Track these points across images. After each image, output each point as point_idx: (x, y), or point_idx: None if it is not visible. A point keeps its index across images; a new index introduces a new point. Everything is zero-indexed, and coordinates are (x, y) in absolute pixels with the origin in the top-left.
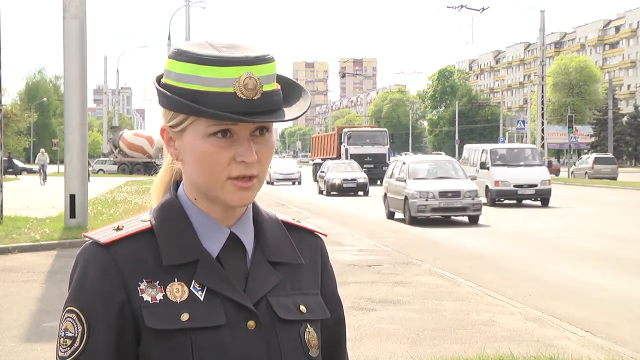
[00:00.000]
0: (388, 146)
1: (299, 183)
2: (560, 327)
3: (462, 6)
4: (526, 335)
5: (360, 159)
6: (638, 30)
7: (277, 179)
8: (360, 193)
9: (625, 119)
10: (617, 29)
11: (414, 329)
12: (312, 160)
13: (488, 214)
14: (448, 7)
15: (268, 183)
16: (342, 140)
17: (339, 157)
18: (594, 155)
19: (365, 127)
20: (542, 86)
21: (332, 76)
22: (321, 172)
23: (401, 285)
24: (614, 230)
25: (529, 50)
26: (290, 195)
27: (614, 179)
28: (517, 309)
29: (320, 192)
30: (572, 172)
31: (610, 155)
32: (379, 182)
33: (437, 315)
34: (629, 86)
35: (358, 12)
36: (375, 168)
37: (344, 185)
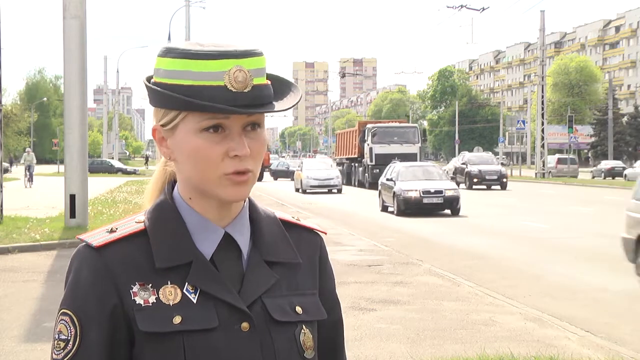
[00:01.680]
0: (420, 145)
1: (339, 191)
2: (560, 327)
3: (462, 6)
4: (526, 335)
5: (386, 160)
6: (638, 30)
7: (312, 186)
8: (448, 211)
9: (625, 119)
10: (617, 29)
11: (414, 329)
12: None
13: None
14: (448, 7)
15: (298, 190)
16: (365, 137)
17: (361, 157)
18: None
19: (392, 122)
20: (542, 86)
21: (332, 76)
22: (387, 179)
23: (401, 285)
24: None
25: (529, 50)
26: (295, 201)
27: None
28: (517, 309)
29: (385, 208)
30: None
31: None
32: None
33: (437, 315)
34: (629, 86)
35: (358, 12)
36: None
37: (425, 201)
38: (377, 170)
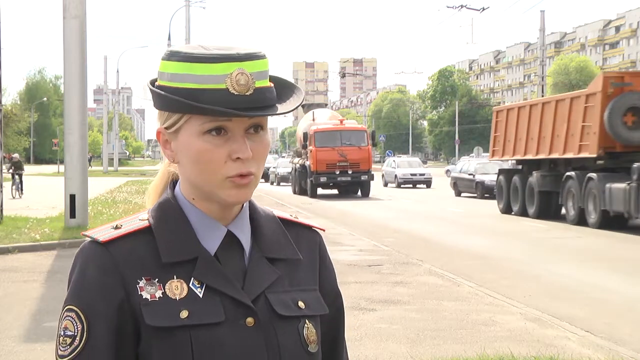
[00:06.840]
0: None
1: None
2: (560, 327)
3: (462, 6)
4: (526, 335)
5: None
6: (638, 30)
7: None
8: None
9: None
10: (617, 29)
11: (414, 329)
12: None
13: None
14: (448, 7)
15: None
16: None
17: (610, 155)
18: None
19: None
20: (542, 86)
21: (332, 76)
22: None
23: (401, 285)
24: (613, 230)
25: (529, 50)
26: (288, 195)
27: None
28: (517, 309)
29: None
30: None
31: None
32: None
33: (437, 315)
34: None
35: (358, 12)
36: None
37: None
38: None
